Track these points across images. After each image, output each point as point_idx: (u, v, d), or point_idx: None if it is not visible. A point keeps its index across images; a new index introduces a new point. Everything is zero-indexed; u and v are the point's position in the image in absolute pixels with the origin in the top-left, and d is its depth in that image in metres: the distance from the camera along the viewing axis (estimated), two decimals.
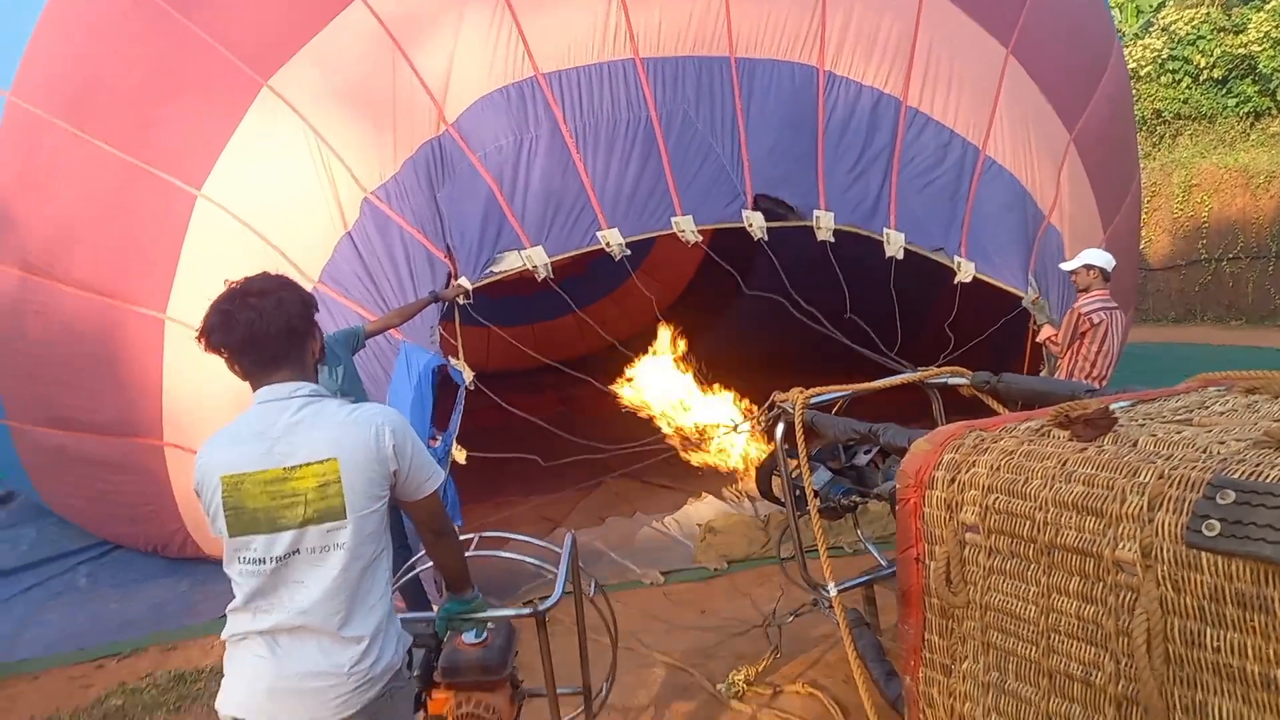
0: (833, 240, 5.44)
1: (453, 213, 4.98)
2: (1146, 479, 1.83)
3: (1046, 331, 5.27)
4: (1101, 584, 1.89)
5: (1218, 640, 1.68)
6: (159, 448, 5.57)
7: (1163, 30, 19.75)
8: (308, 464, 1.94)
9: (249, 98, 5.33)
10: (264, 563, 1.92)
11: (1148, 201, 20.30)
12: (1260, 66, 18.39)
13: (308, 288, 4.99)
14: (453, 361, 4.85)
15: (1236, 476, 1.69)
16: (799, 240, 5.54)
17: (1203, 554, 1.68)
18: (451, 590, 2.34)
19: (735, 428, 3.86)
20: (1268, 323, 17.77)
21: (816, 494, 3.32)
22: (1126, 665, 1.84)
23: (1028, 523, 2.05)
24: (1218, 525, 1.66)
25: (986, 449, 2.24)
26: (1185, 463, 1.82)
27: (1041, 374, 5.29)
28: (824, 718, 3.34)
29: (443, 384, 4.87)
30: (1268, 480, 1.65)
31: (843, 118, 5.76)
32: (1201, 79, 19.60)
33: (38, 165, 5.85)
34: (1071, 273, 5.16)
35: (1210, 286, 19.53)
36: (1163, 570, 1.76)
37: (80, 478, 6.11)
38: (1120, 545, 1.84)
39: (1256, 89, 18.95)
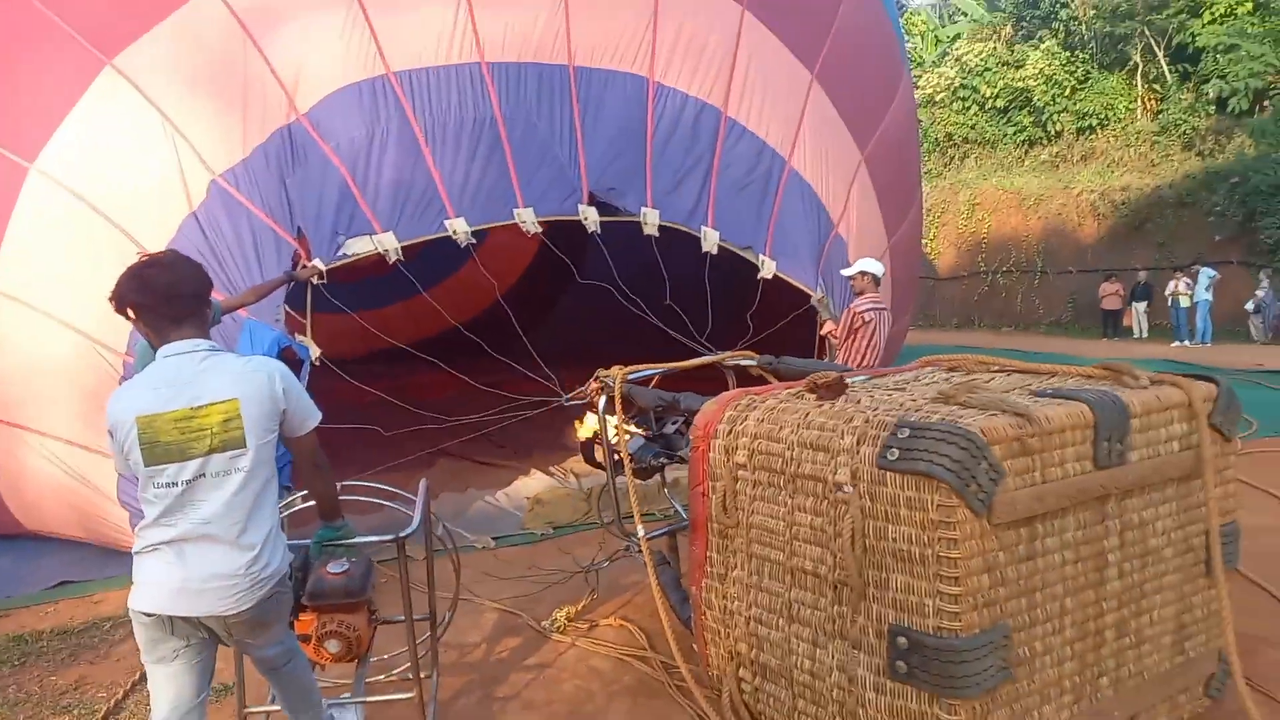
0: (657, 235, 6.15)
1: (303, 199, 5.30)
2: (857, 423, 2.60)
3: (828, 326, 6.21)
4: (826, 500, 2.65)
5: (895, 533, 2.46)
6: None
7: (956, 60, 22.05)
8: (213, 403, 2.37)
9: (90, 75, 5.40)
10: (174, 485, 2.35)
11: (938, 217, 22.61)
12: (1035, 99, 20.90)
13: None
14: (298, 338, 5.19)
15: (911, 420, 2.48)
16: (628, 237, 6.22)
17: (888, 473, 2.46)
18: (324, 519, 2.82)
19: (564, 401, 4.47)
20: (1031, 329, 20.26)
21: (632, 456, 3.99)
22: (840, 558, 2.60)
23: (780, 459, 2.78)
24: (898, 452, 2.43)
25: (755, 408, 2.97)
26: (883, 412, 2.60)
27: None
28: (631, 643, 4.01)
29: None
30: (930, 421, 2.44)
31: (669, 125, 6.48)
32: (986, 107, 22.04)
33: None
34: (850, 278, 6.13)
35: (986, 296, 21.99)
36: (863, 487, 2.52)
37: None
38: (838, 471, 2.59)
39: (1031, 119, 21.51)
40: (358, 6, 5.66)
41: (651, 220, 6.01)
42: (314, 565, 2.96)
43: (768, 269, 6.09)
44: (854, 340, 5.82)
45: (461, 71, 5.83)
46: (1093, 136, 20.86)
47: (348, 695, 3.14)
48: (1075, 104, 20.61)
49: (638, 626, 4.13)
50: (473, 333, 7.47)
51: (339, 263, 5.26)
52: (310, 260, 5.23)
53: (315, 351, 5.19)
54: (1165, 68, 19.87)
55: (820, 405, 2.83)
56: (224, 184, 5.34)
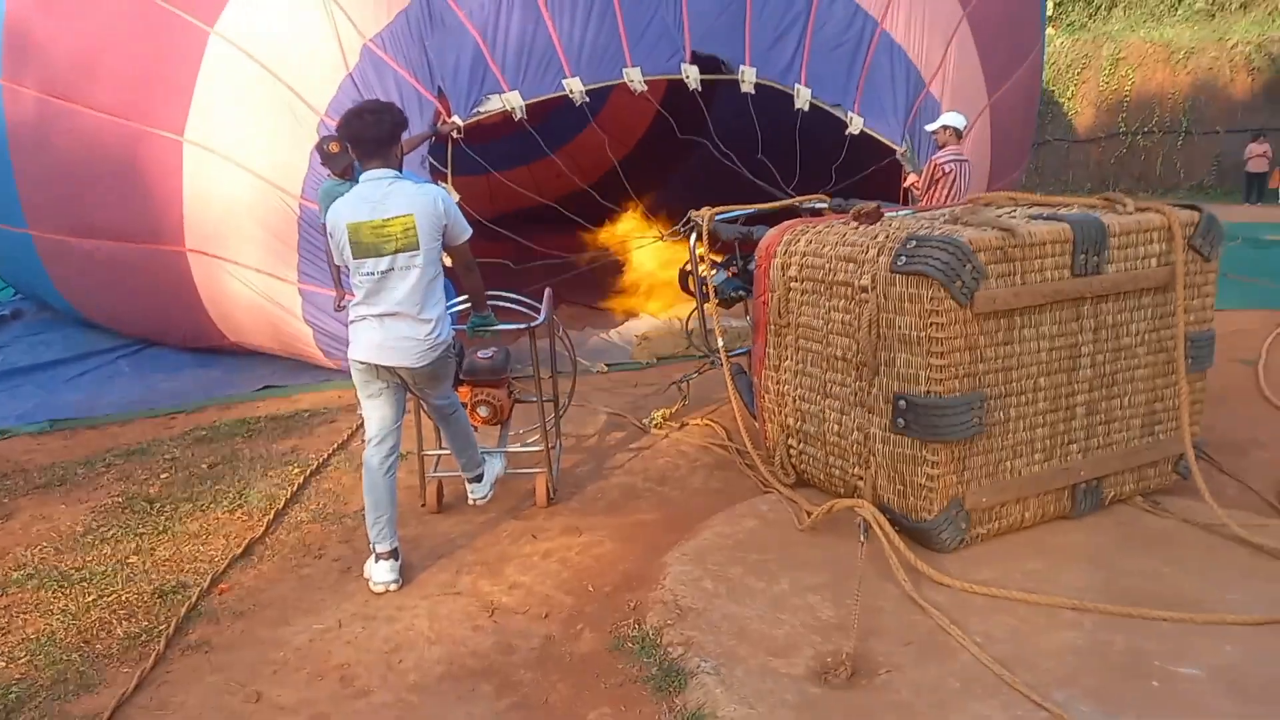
0: (753, 93, 6.83)
1: (442, 60, 6.22)
2: (879, 239, 3.42)
3: (911, 178, 6.82)
4: (853, 300, 3.50)
5: (900, 322, 3.30)
6: (182, 253, 6.85)
7: None
8: (396, 216, 3.38)
9: None
10: (373, 275, 3.39)
11: (1077, 74, 21.79)
12: None
13: (314, 120, 6.30)
14: (443, 186, 6.21)
15: (920, 233, 3.27)
16: (729, 98, 6.92)
17: (896, 275, 3.28)
18: (475, 309, 3.86)
19: (662, 237, 5.37)
20: (1171, 193, 19.69)
21: (715, 287, 4.89)
22: (861, 344, 3.46)
23: (821, 270, 3.64)
24: (905, 259, 3.24)
25: (806, 233, 3.81)
26: (902, 230, 3.40)
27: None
28: (712, 435, 5.02)
29: None
30: (931, 234, 3.23)
31: None
32: None
33: None
34: (933, 131, 6.67)
35: (1125, 159, 21.30)
36: (879, 288, 3.36)
37: (109, 280, 7.38)
38: (862, 277, 3.43)
39: None
40: None
41: (749, 78, 6.69)
42: (468, 351, 4.03)
43: (855, 125, 6.71)
44: (935, 190, 6.43)
45: None
46: None
47: (494, 447, 4.27)
48: None
49: (719, 424, 5.12)
50: (598, 191, 8.37)
51: (473, 119, 6.21)
52: (450, 117, 6.19)
53: (456, 196, 6.20)
54: None
55: (858, 229, 3.64)
56: (374, 47, 6.30)
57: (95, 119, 6.79)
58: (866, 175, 7.08)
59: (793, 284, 3.81)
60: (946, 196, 6.38)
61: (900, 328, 3.30)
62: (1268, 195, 17.43)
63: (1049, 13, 22.82)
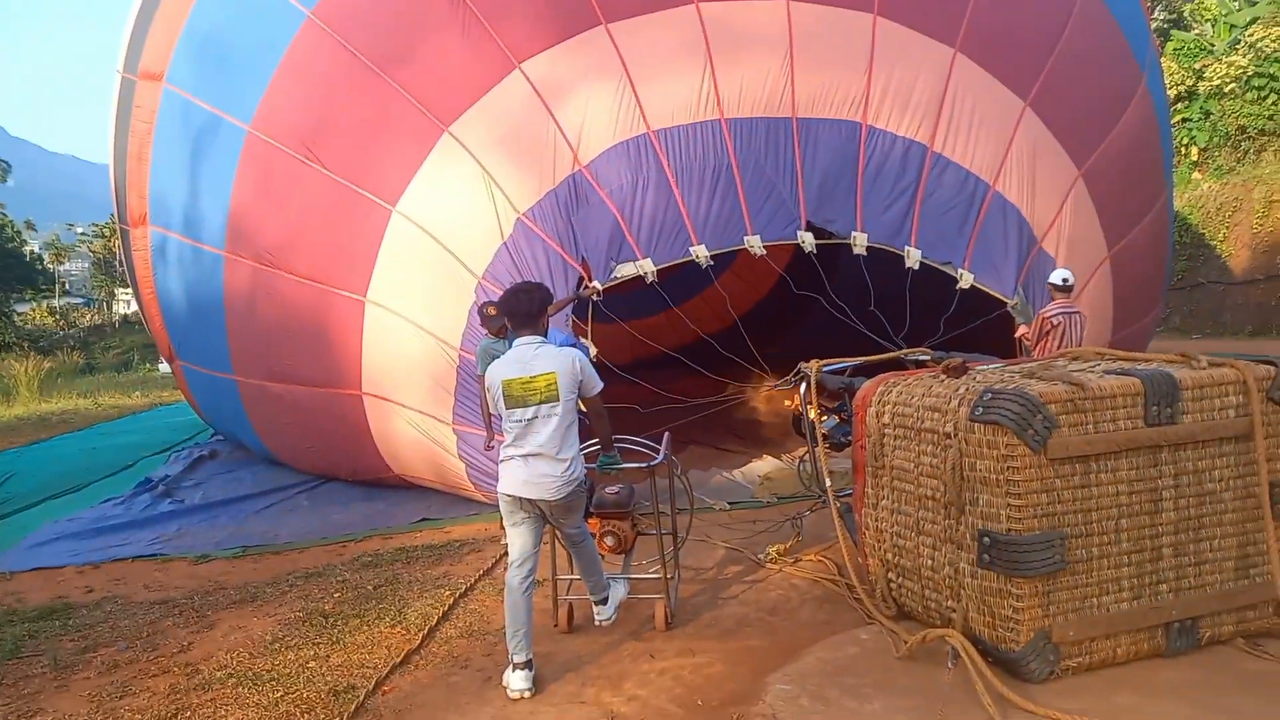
0: (865, 254, 7.40)
1: (585, 232, 7.13)
2: (960, 391, 3.84)
3: (1021, 329, 7.13)
4: (939, 446, 3.90)
5: (981, 466, 3.67)
6: (359, 397, 7.86)
7: (1249, 47, 20.77)
8: (541, 374, 4.06)
9: (434, 139, 7.56)
10: (521, 422, 4.06)
11: (1229, 216, 21.42)
12: None
13: (473, 283, 7.24)
14: (582, 340, 6.99)
15: (995, 387, 3.68)
16: (847, 256, 7.52)
17: (975, 424, 3.68)
18: (604, 450, 4.46)
19: (774, 385, 5.89)
20: None
21: (826, 434, 5.35)
22: (947, 485, 3.83)
23: (910, 418, 4.07)
24: (982, 410, 3.65)
25: (897, 385, 4.27)
26: (980, 384, 3.82)
27: None
28: (821, 570, 5.35)
29: None
30: (1005, 388, 3.64)
31: (879, 161, 7.70)
32: None
33: (272, 184, 8.21)
34: (1049, 285, 7.02)
35: None
36: (960, 435, 3.75)
37: (296, 419, 8.50)
38: (946, 425, 3.84)
39: None
40: (626, 80, 7.42)
41: (860, 242, 7.30)
42: (597, 487, 4.62)
43: (965, 280, 7.16)
44: (1046, 342, 6.73)
45: (705, 127, 7.44)
46: None
47: (619, 573, 4.77)
48: None
49: (830, 560, 5.45)
50: (727, 341, 9.05)
51: (611, 283, 7.04)
52: (591, 281, 7.03)
53: (593, 350, 6.96)
54: None
55: (944, 381, 4.07)
56: (526, 221, 7.28)
57: (294, 283, 8.03)
58: (978, 326, 7.43)
59: (886, 430, 4.24)
60: (1056, 347, 6.65)
61: (981, 470, 3.68)
62: None
63: (1194, 158, 22.70)
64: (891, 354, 5.50)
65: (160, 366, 33.29)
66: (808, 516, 5.86)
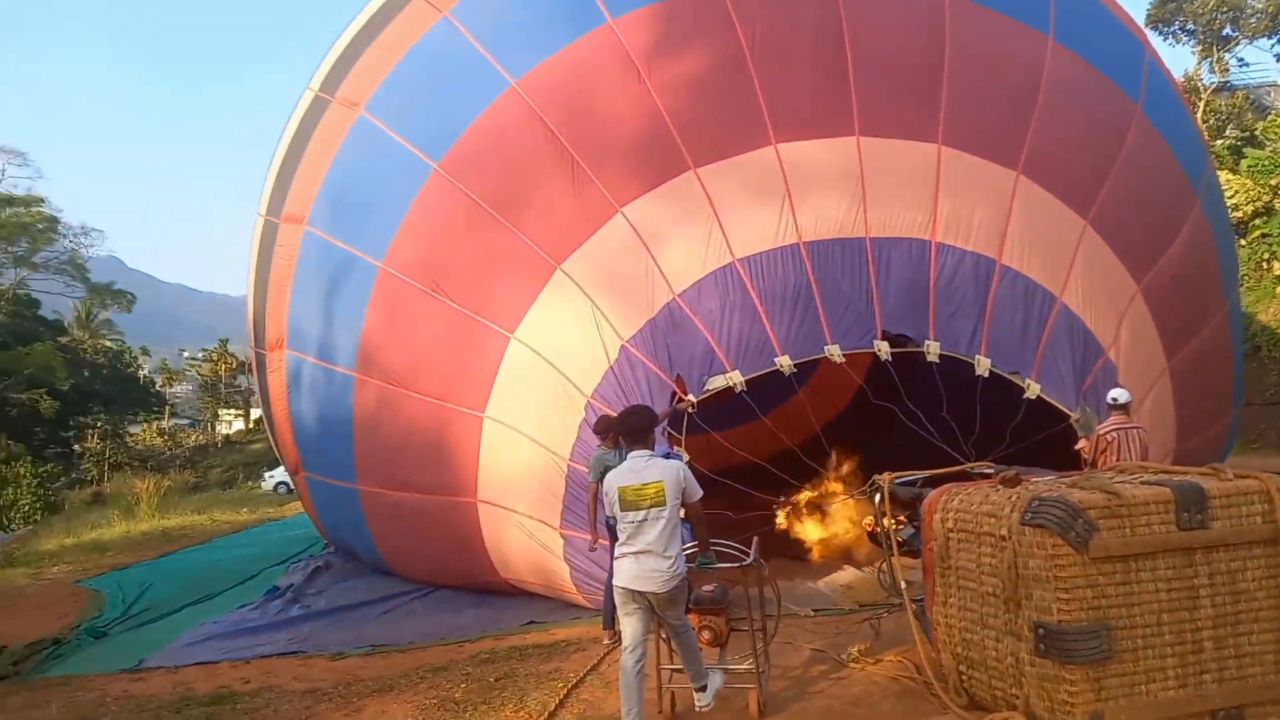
0: (938, 362, 8.07)
1: (680, 354, 8.00)
2: (1014, 500, 4.47)
3: (1081, 444, 7.63)
4: (996, 547, 4.51)
5: (1032, 564, 4.27)
6: (474, 504, 8.73)
7: None
8: (651, 482, 4.83)
9: (548, 275, 8.60)
10: (633, 523, 4.82)
11: None
12: None
13: (582, 401, 8.10)
14: (676, 449, 7.76)
15: (1041, 495, 4.30)
16: (922, 365, 8.20)
17: (1026, 528, 4.29)
18: (701, 550, 5.16)
19: (851, 495, 6.53)
20: None
21: (902, 542, 5.95)
22: (1004, 582, 4.42)
23: (971, 523, 4.69)
24: (1030, 514, 4.26)
25: (959, 494, 4.90)
26: (1031, 492, 4.44)
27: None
28: (900, 668, 5.84)
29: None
30: (1050, 496, 4.26)
31: (949, 275, 8.44)
32: None
33: (401, 313, 9.33)
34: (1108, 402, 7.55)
35: None
36: (1014, 537, 4.36)
37: (413, 526, 9.40)
38: (1001, 528, 4.46)
39: None
40: (714, 216, 8.40)
41: (933, 350, 8.01)
42: (695, 586, 5.30)
43: (1032, 390, 7.76)
44: (1105, 458, 7.22)
45: (785, 251, 8.34)
46: None
47: (715, 664, 5.40)
48: None
49: (909, 659, 5.96)
50: (811, 448, 9.71)
51: (704, 396, 7.85)
52: (685, 395, 7.86)
53: (685, 456, 7.70)
54: None
55: (999, 491, 4.70)
56: (629, 347, 8.19)
57: (419, 401, 9.05)
58: (1042, 438, 7.97)
59: (950, 534, 4.87)
60: (1115, 460, 7.14)
61: (1033, 569, 4.27)
62: None
63: (1277, 272, 22.71)
64: (957, 468, 6.12)
65: (263, 483, 35.16)
66: (885, 617, 6.39)
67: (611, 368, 8.13)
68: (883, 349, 8.09)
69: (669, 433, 7.89)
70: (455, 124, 9.27)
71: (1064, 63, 9.51)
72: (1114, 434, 7.31)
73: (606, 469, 5.75)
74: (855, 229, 8.55)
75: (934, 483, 5.92)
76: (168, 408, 60.40)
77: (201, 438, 58.40)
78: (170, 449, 50.74)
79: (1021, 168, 8.90)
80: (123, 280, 53.38)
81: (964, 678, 4.90)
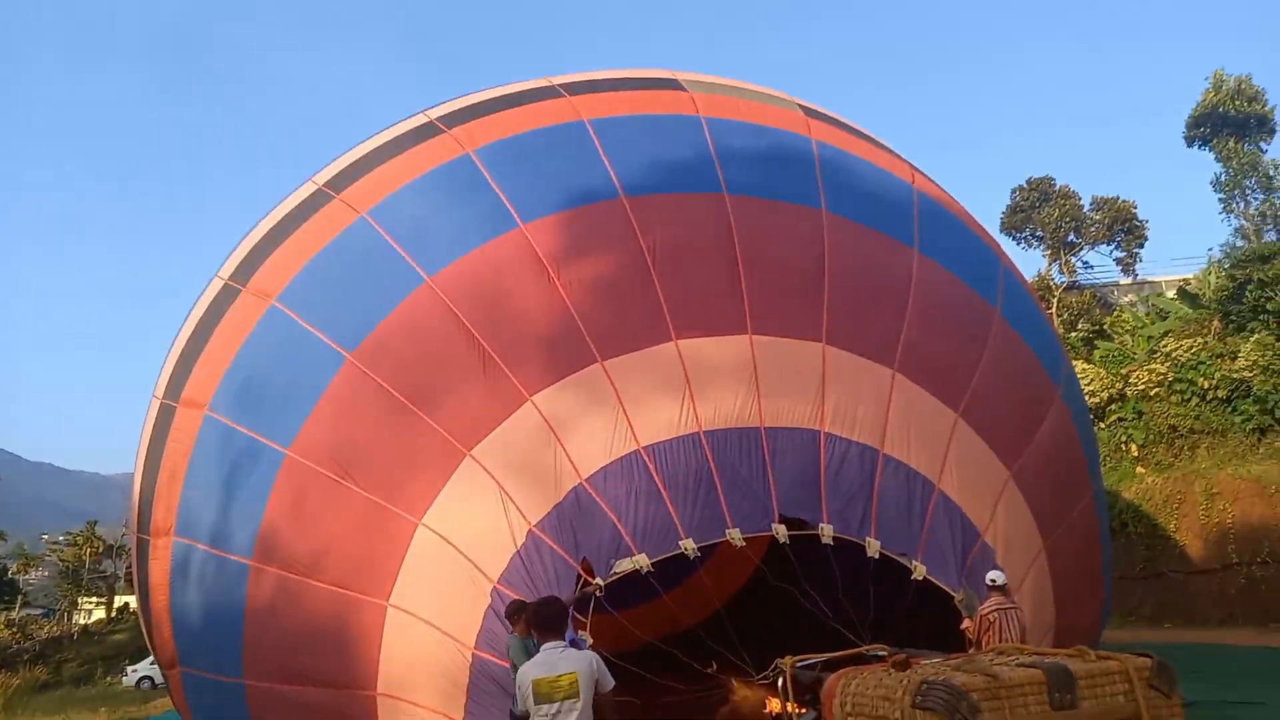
0: (831, 543, 8.55)
1: (587, 537, 8.27)
2: (904, 682, 4.84)
3: (966, 623, 8.14)
4: None
5: None
6: (373, 697, 8.54)
7: (1166, 356, 23.39)
8: (564, 674, 5.02)
9: (457, 461, 8.86)
10: (547, 716, 4.95)
11: (1175, 509, 22.94)
12: (1255, 389, 21.64)
13: (488, 586, 8.21)
14: (580, 633, 7.89)
15: (929, 679, 4.69)
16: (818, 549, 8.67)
17: (917, 710, 4.64)
18: None
19: (755, 679, 6.78)
20: None
21: None
22: None
23: (867, 705, 5.02)
24: (920, 697, 4.63)
25: (855, 677, 5.25)
26: (920, 676, 4.82)
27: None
28: None
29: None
30: (938, 679, 4.65)
31: (837, 463, 9.07)
32: (1208, 398, 22.86)
33: (306, 503, 9.34)
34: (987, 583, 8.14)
35: (1246, 590, 21.48)
36: (906, 716, 4.70)
37: None
38: (895, 711, 4.80)
39: (1257, 408, 22.06)
40: (619, 406, 8.90)
41: (827, 533, 8.51)
42: None
43: (919, 572, 8.29)
44: (987, 637, 7.71)
45: (687, 440, 8.87)
46: None
47: None
48: None
49: None
50: (716, 634, 9.92)
51: (611, 579, 8.10)
52: (593, 579, 8.06)
53: (588, 641, 7.82)
54: None
55: (892, 674, 5.07)
56: (537, 532, 8.43)
57: (320, 589, 8.95)
58: (928, 617, 8.46)
59: (848, 716, 5.17)
60: (995, 642, 7.63)
61: None
62: None
63: (1134, 454, 24.60)
64: (854, 650, 6.49)
65: (124, 678, 32.55)
66: None
67: (519, 552, 8.32)
68: (781, 532, 8.55)
69: (575, 616, 8.03)
70: (370, 317, 9.68)
71: (929, 273, 10.68)
72: (995, 614, 7.83)
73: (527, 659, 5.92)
74: (751, 419, 9.17)
75: (832, 665, 6.26)
76: (20, 596, 55.76)
77: (56, 629, 53.80)
78: (18, 642, 46.45)
79: (897, 365, 9.81)
80: None
81: None
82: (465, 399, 9.11)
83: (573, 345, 9.28)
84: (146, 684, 29.17)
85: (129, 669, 33.22)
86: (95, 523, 63.11)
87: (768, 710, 6.57)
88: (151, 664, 25.94)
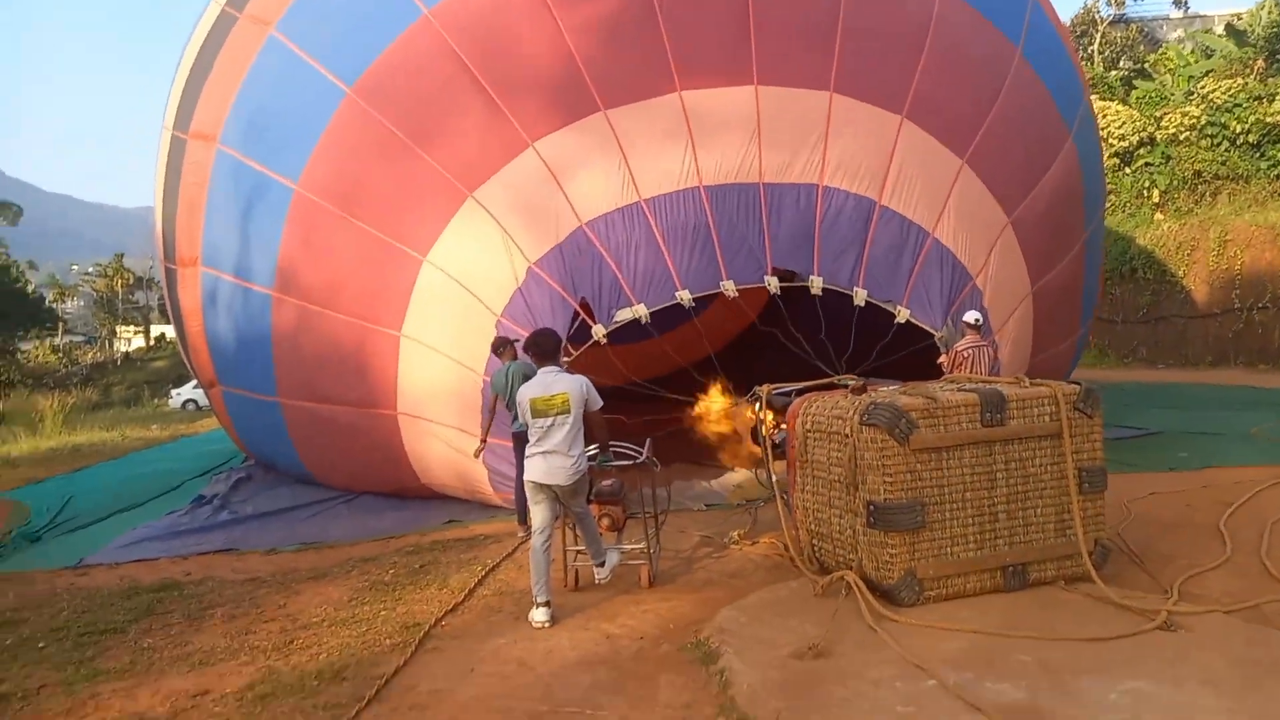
0: (820, 294, 9.12)
1: (585, 281, 8.83)
2: (857, 404, 5.53)
3: (941, 358, 8.84)
4: (842, 443, 5.58)
5: (867, 455, 5.36)
6: (394, 416, 9.52)
7: (1202, 99, 22.72)
8: (558, 394, 5.74)
9: (459, 202, 9.28)
10: (542, 427, 5.74)
11: (1188, 255, 23.27)
12: None
13: (492, 319, 8.89)
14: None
15: (877, 401, 5.37)
16: (807, 298, 9.26)
17: (864, 427, 5.36)
18: (601, 451, 6.12)
19: (735, 403, 7.58)
20: None
21: (777, 444, 7.02)
22: (846, 470, 5.50)
23: (824, 424, 5.76)
24: (866, 415, 5.33)
25: (816, 400, 5.95)
26: (870, 399, 5.50)
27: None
28: (772, 548, 6.98)
29: None
30: (883, 401, 5.32)
31: (833, 216, 9.43)
32: (1238, 143, 22.47)
33: (316, 237, 9.89)
34: (963, 323, 8.75)
35: (1242, 334, 22.26)
36: (854, 435, 5.44)
37: (336, 438, 10.14)
38: (845, 428, 5.53)
39: None
40: (621, 157, 9.15)
41: (816, 284, 9.02)
42: (596, 480, 6.27)
43: (901, 315, 8.89)
44: (959, 372, 8.41)
45: (687, 194, 9.18)
46: None
47: (612, 545, 6.42)
48: None
49: (778, 540, 7.11)
50: (709, 369, 10.78)
51: (612, 327, 8.74)
52: (594, 323, 8.70)
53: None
54: None
55: (848, 398, 5.75)
56: (536, 269, 8.99)
57: (337, 319, 9.69)
58: (913, 351, 9.18)
59: (808, 434, 5.93)
60: (968, 374, 8.34)
61: (867, 459, 5.36)
62: None
63: (1155, 199, 24.56)
64: (825, 380, 7.20)
65: (170, 400, 34.87)
66: (760, 505, 7.53)
67: (520, 289, 8.93)
68: (772, 284, 9.07)
69: (567, 347, 8.76)
70: (368, 50, 9.73)
71: (950, 10, 10.44)
72: (970, 350, 8.51)
73: (513, 384, 6.68)
74: (750, 174, 9.39)
75: (806, 395, 6.99)
76: (61, 324, 58.52)
77: (99, 355, 56.86)
78: (66, 366, 49.34)
79: (906, 111, 9.84)
80: (2, 189, 50.93)
81: (816, 549, 6.03)
82: (465, 141, 9.36)
83: (575, 91, 9.34)
84: (191, 406, 31.29)
85: (174, 392, 35.49)
86: (122, 255, 64.86)
87: (745, 427, 7.38)
88: (195, 388, 27.75)
